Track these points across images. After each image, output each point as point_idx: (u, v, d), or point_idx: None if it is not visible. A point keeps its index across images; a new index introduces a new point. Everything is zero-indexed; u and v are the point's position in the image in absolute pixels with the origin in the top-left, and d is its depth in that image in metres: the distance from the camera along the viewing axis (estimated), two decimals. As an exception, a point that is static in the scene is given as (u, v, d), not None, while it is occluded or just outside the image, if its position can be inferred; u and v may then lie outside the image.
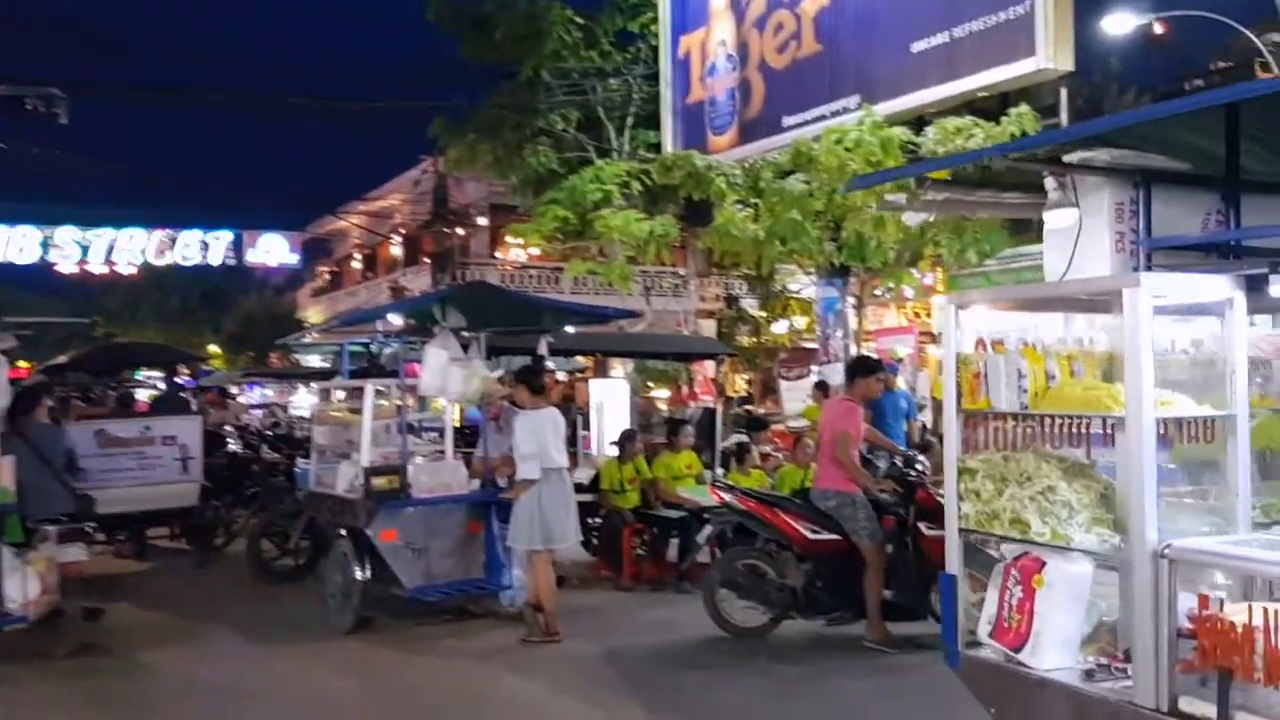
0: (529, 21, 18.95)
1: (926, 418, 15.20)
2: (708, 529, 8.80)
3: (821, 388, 16.14)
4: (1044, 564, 4.14)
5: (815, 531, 7.71)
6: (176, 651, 8.27)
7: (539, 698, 6.96)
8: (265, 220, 32.75)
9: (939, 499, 7.71)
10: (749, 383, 22.03)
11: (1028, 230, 18.23)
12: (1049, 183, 4.40)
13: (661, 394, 22.32)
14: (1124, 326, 3.78)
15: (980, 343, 4.43)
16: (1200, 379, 4.04)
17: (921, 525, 7.67)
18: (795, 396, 17.90)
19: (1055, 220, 4.39)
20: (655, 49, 19.05)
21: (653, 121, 19.24)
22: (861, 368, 8.06)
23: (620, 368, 20.70)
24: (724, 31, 17.36)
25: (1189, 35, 21.24)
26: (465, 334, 9.10)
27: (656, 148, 18.98)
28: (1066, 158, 4.40)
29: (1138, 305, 3.74)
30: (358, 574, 8.43)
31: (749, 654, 7.71)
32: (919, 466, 7.93)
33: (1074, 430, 4.21)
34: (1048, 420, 4.25)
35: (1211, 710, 3.44)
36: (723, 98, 17.57)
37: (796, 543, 7.77)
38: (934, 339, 19.84)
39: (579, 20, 19.25)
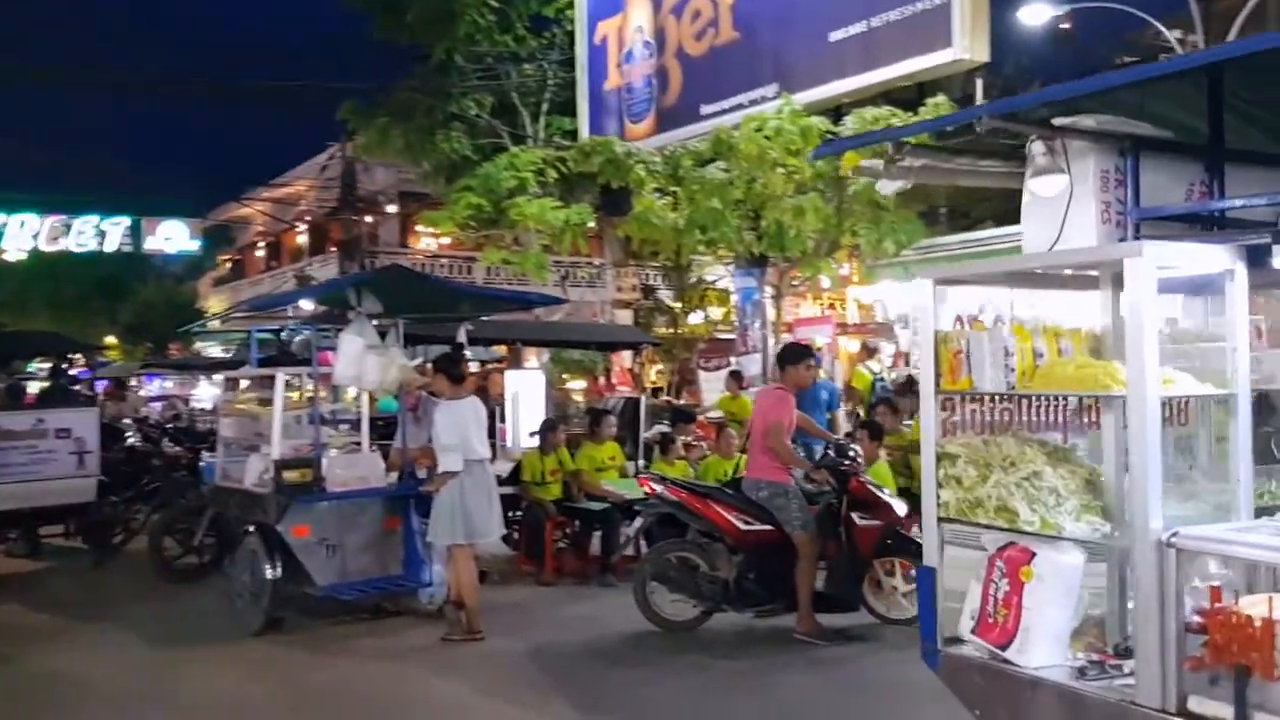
0: (441, 3, 18.54)
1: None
2: (638, 521, 8.58)
3: (736, 378, 16.07)
4: (1033, 555, 3.89)
5: (748, 523, 7.52)
6: (69, 654, 7.80)
7: (464, 699, 6.65)
8: (165, 206, 31.81)
9: (872, 489, 7.64)
10: (673, 373, 21.89)
11: (936, 222, 18.43)
12: (1037, 147, 4.23)
13: (577, 385, 22.06)
14: (1127, 299, 3.57)
15: (959, 320, 4.22)
16: (1188, 356, 3.82)
17: (855, 515, 7.53)
18: (715, 387, 17.82)
19: (1041, 188, 4.20)
20: (571, 34, 18.82)
21: (568, 108, 19.01)
22: (791, 355, 7.87)
23: (535, 358, 20.41)
24: (641, 17, 17.18)
25: (1093, 31, 21.67)
26: (382, 321, 8.73)
27: (572, 135, 18.75)
28: (1055, 122, 4.21)
29: (1142, 276, 3.52)
30: (268, 572, 8.03)
31: (681, 649, 7.48)
32: (852, 455, 7.79)
33: (1065, 412, 3.99)
34: (1035, 401, 4.01)
35: (1223, 710, 3.24)
36: (640, 85, 17.39)
37: (729, 534, 7.57)
38: (846, 329, 19.92)
39: (493, 3, 18.90)
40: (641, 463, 11.26)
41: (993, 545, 4.09)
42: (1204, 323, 3.85)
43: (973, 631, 4.13)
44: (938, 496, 4.23)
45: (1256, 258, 3.68)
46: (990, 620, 4.03)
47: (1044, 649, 3.89)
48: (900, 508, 7.63)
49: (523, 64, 19.51)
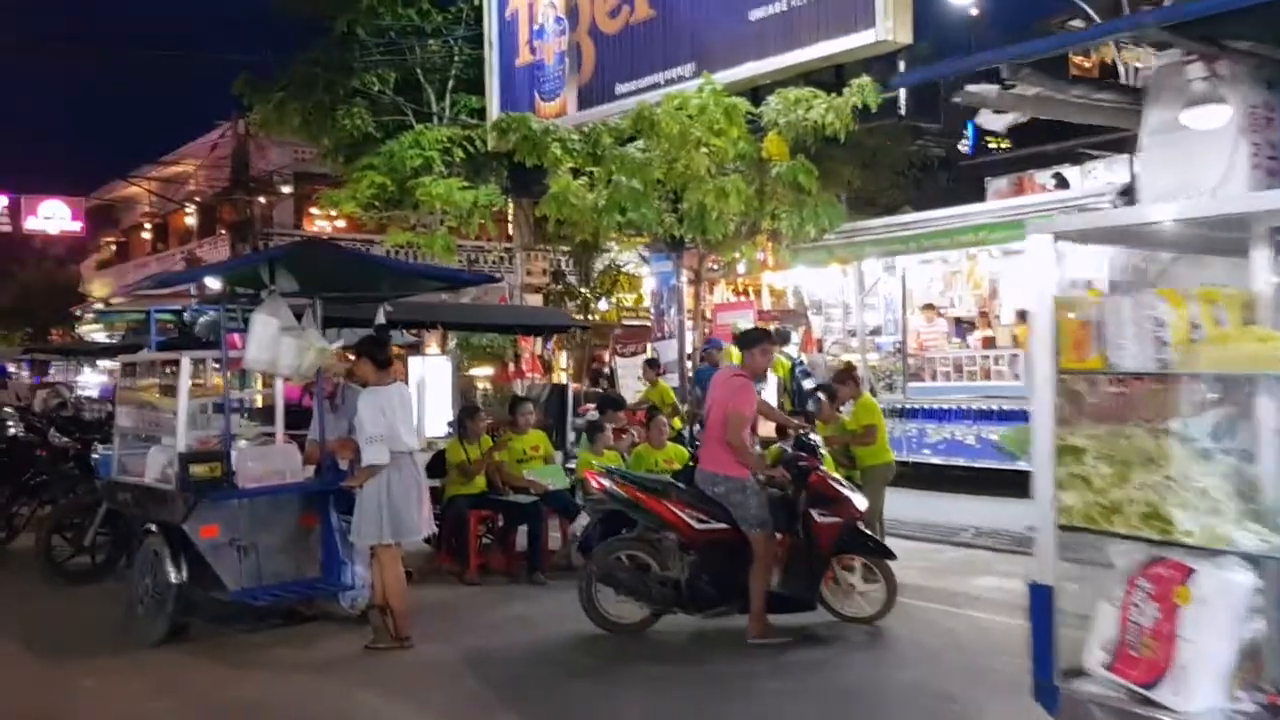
0: (343, -27, 17.73)
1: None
2: (582, 517, 8.07)
3: (651, 365, 15.68)
4: (1190, 572, 3.20)
5: (702, 521, 7.02)
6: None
7: (396, 714, 6.06)
8: (45, 185, 30.40)
9: (833, 484, 7.25)
10: (580, 361, 21.36)
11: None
12: (1194, 70, 3.71)
13: (482, 372, 21.42)
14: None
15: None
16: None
17: (814, 511, 7.10)
18: (632, 373, 17.45)
19: (1197, 120, 3.64)
20: (478, 9, 18.20)
21: (476, 86, 18.38)
22: (749, 339, 7.40)
23: (435, 344, 19.70)
24: (553, -9, 16.67)
25: (1001, 18, 21.84)
26: (297, 301, 8.05)
27: (480, 113, 18.13)
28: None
29: None
30: (172, 575, 7.34)
31: (633, 655, 6.99)
32: (812, 442, 7.38)
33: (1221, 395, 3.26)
34: (1184, 383, 3.29)
35: None
36: (552, 62, 16.86)
37: (682, 533, 7.08)
38: (760, 315, 19.67)
39: (397, -25, 18.14)
40: (571, 450, 10.80)
41: (1129, 560, 3.40)
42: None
43: (1106, 666, 3.42)
44: (1057, 499, 3.49)
45: None
46: (1132, 653, 3.33)
47: (1205, 689, 3.20)
48: (860, 502, 7.27)
49: (428, 39, 18.76)
